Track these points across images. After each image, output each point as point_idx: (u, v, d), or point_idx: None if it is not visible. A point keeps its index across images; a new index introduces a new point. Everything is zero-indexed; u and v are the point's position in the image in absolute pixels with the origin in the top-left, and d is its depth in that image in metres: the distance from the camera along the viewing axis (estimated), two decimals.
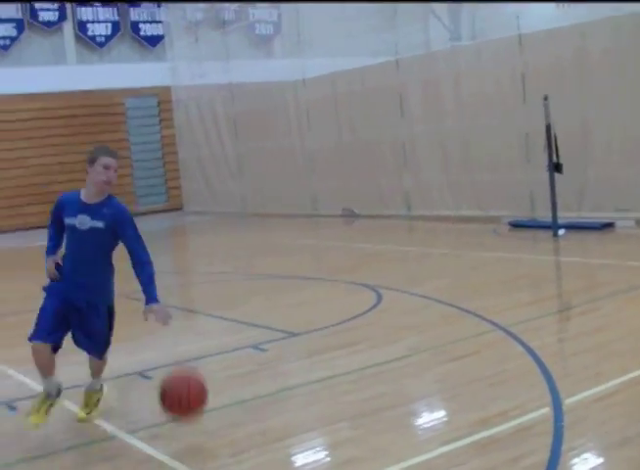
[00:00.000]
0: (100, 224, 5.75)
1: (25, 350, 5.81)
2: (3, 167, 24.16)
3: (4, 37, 25.11)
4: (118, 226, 5.77)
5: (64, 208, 5.88)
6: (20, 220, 24.49)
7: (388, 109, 19.25)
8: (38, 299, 5.94)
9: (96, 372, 6.19)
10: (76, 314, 5.85)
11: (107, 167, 5.74)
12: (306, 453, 5.20)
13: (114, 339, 6.11)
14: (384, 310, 9.42)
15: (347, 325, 8.72)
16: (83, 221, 5.75)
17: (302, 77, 21.74)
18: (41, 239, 6.63)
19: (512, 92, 16.60)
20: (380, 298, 10.05)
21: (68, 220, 5.82)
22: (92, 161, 5.78)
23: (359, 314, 9.16)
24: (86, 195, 5.84)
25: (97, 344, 6.00)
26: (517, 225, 15.88)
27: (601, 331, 7.62)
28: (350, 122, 20.59)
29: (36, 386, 6.45)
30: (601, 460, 4.81)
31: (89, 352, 6.08)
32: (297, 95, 22.22)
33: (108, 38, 26.92)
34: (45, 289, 5.99)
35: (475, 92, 17.37)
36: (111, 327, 6.04)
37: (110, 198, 5.87)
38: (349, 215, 20.67)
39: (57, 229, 5.98)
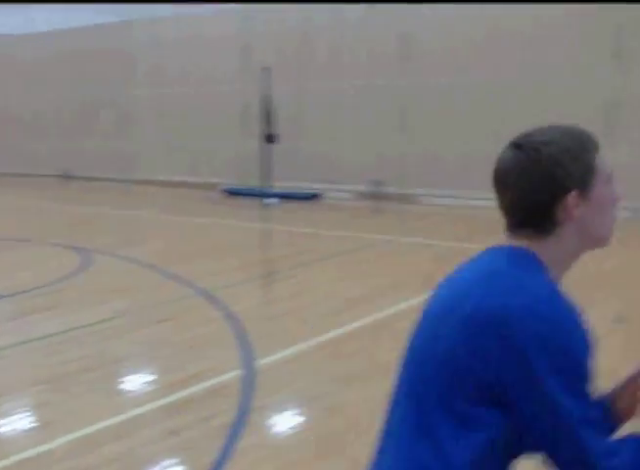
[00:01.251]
0: None
1: None
2: None
3: None
4: None
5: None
6: None
7: (113, 70, 19.01)
8: None
9: None
10: None
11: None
12: None
13: None
14: (92, 273, 9.40)
15: (53, 288, 8.64)
16: None
17: (26, 32, 20.94)
18: None
19: (234, 63, 16.89)
20: (90, 261, 10.02)
21: None
22: (593, 172, 1.78)
23: (66, 277, 9.09)
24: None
25: None
26: (231, 193, 16.24)
27: (297, 296, 8.06)
28: (73, 82, 20.11)
29: None
30: (287, 417, 5.16)
31: None
32: (20, 51, 21.41)
33: None
34: None
35: (198, 61, 17.50)
36: None
37: None
38: (67, 176, 20.25)
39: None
